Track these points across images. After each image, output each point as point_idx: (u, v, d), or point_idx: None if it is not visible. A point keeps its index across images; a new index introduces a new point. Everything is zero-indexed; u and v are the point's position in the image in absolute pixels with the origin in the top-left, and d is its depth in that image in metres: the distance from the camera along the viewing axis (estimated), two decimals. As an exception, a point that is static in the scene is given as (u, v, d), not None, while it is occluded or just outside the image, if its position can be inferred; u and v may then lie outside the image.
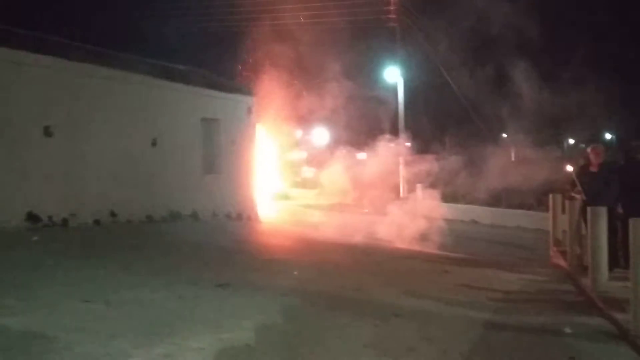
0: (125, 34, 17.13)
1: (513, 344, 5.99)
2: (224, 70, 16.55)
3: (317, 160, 24.74)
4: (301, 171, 30.41)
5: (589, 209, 8.17)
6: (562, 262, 10.43)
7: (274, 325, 5.69)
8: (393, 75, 23.27)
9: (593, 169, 9.53)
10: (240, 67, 17.48)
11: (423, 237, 13.27)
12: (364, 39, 21.27)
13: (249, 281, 7.61)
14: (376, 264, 10.12)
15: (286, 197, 24.13)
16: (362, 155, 24.01)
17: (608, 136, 38.81)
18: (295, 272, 8.45)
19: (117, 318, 5.45)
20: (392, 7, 22.14)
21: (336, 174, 18.88)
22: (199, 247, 10.45)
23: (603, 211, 7.80)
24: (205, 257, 9.26)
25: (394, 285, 8.27)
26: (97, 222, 12.61)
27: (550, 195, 11.99)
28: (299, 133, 30.60)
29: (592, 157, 9.62)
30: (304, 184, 28.58)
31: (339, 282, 8.09)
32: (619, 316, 6.48)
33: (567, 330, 6.34)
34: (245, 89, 17.43)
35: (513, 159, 28.37)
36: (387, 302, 7.13)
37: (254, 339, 5.18)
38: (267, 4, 19.78)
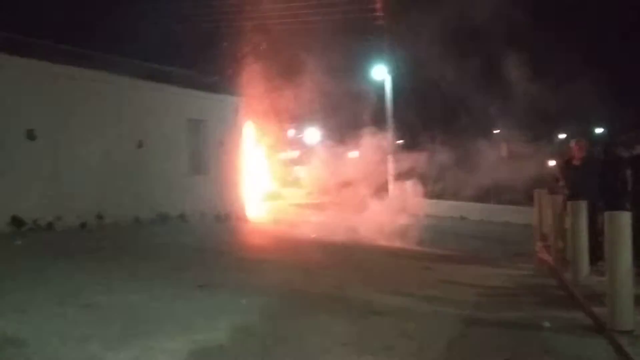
0: (110, 35, 17.02)
1: (491, 340, 5.99)
2: (210, 71, 16.45)
3: (309, 159, 24.77)
4: (293, 170, 30.43)
5: (569, 203, 8.19)
6: (547, 257, 10.44)
7: (250, 326, 5.67)
8: (380, 72, 23.25)
9: (576, 162, 9.56)
10: (226, 67, 17.42)
11: (409, 235, 13.28)
12: (351, 36, 21.22)
13: (230, 281, 7.60)
14: (359, 261, 10.11)
15: (277, 197, 24.10)
16: (353, 154, 24.06)
17: (599, 130, 38.88)
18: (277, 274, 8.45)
19: (92, 321, 5.43)
20: (378, 4, 22.09)
21: (326, 172, 18.92)
22: (183, 248, 10.42)
23: (583, 205, 7.82)
24: (188, 258, 9.24)
25: (376, 283, 8.27)
26: (83, 225, 12.58)
27: (535, 190, 12.00)
28: (290, 132, 30.62)
29: (574, 151, 9.66)
30: (296, 183, 28.59)
31: (321, 281, 8.09)
32: (597, 310, 6.49)
33: (546, 324, 6.35)
34: (232, 89, 17.37)
35: (504, 154, 28.43)
36: (368, 300, 7.12)
37: (229, 339, 5.17)
38: (253, 3, 19.72)
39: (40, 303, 5.91)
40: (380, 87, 23.20)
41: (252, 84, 18.92)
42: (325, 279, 8.24)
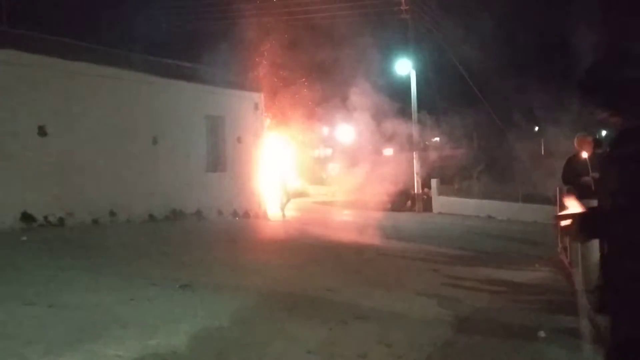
0: (125, 31, 17.01)
1: (478, 350, 5.53)
2: (229, 67, 16.22)
3: (342, 157, 24.44)
4: (326, 168, 30.20)
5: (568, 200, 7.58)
6: (564, 260, 9.83)
7: (215, 330, 5.37)
8: (406, 67, 22.63)
9: (585, 160, 8.88)
10: (246, 62, 17.19)
11: (427, 234, 12.76)
12: (377, 30, 20.73)
13: (217, 281, 7.33)
14: (364, 262, 9.69)
15: (303, 194, 23.86)
16: (384, 152, 23.64)
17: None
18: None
19: (50, 323, 5.22)
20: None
21: (354, 170, 18.56)
22: (187, 245, 10.24)
23: (591, 205, 7.22)
24: (186, 257, 9.01)
25: (373, 285, 7.87)
26: (95, 221, 12.54)
27: (557, 188, 11.32)
28: (324, 130, 30.33)
29: (580, 147, 8.87)
30: (327, 180, 28.33)
31: (314, 282, 7.73)
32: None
33: (542, 334, 5.84)
34: (252, 85, 17.14)
35: (542, 152, 27.49)
36: (355, 303, 6.73)
37: (185, 345, 4.87)
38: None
39: (7, 302, 5.75)
40: (406, 83, 22.59)
41: (275, 80, 18.68)
42: (319, 281, 7.88)
